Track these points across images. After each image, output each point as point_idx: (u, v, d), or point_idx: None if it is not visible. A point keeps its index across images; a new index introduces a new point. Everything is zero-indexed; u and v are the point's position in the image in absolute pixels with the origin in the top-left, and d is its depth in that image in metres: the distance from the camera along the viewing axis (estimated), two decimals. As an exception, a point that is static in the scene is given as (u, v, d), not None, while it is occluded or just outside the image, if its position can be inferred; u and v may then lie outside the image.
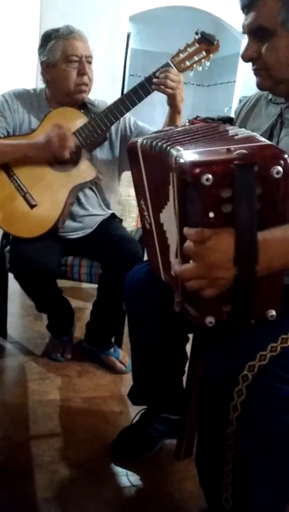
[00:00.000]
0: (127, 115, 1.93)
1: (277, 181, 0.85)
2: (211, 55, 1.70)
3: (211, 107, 7.42)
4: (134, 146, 1.14)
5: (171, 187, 1.01)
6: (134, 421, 1.61)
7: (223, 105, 6.74)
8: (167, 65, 1.71)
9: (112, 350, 2.06)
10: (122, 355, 2.06)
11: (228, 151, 0.88)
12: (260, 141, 0.94)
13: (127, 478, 1.45)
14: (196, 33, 1.69)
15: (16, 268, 1.83)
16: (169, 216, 1.07)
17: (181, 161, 0.91)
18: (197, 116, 1.29)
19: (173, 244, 1.08)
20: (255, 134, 1.00)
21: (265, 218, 0.87)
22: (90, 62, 1.84)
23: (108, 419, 1.70)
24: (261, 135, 1.19)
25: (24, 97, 1.90)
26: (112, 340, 2.09)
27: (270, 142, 0.96)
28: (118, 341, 2.16)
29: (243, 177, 0.84)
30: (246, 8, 1.09)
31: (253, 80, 1.19)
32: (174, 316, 1.25)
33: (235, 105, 6.21)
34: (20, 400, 1.75)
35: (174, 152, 0.96)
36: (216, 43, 1.68)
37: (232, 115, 1.42)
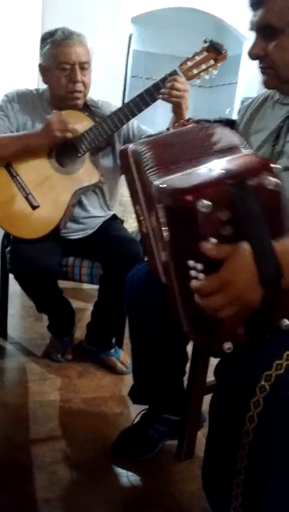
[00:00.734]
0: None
1: (274, 193, 0.83)
2: (219, 64, 1.70)
3: (212, 109, 7.43)
4: (126, 152, 1.13)
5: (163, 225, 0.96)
6: (135, 421, 1.60)
7: (225, 106, 6.75)
8: (175, 72, 1.71)
9: (112, 350, 2.06)
10: (123, 356, 2.06)
11: (213, 170, 0.85)
12: (241, 153, 0.92)
13: (128, 478, 1.45)
14: (205, 41, 1.68)
15: (16, 268, 1.83)
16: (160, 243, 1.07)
17: (165, 187, 0.86)
18: (189, 118, 1.29)
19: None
20: (236, 143, 0.99)
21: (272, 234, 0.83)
22: (85, 68, 1.81)
23: (109, 420, 1.70)
24: (267, 136, 1.19)
25: (27, 97, 1.91)
26: (113, 340, 2.08)
27: (250, 152, 0.94)
28: (119, 342, 2.15)
29: (241, 195, 0.81)
30: (255, 5, 1.08)
31: (255, 81, 1.18)
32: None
33: (237, 106, 6.21)
34: (20, 400, 1.75)
35: (156, 182, 0.92)
36: (224, 52, 1.67)
37: (234, 117, 1.41)
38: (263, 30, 1.08)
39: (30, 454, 1.49)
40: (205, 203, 0.79)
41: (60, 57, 1.76)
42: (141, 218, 1.20)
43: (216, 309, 0.84)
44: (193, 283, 0.85)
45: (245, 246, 0.82)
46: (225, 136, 1.04)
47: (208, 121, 1.24)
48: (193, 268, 0.86)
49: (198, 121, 1.21)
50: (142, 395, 1.57)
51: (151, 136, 1.21)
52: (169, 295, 1.09)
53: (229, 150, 0.96)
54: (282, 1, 1.03)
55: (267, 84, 1.16)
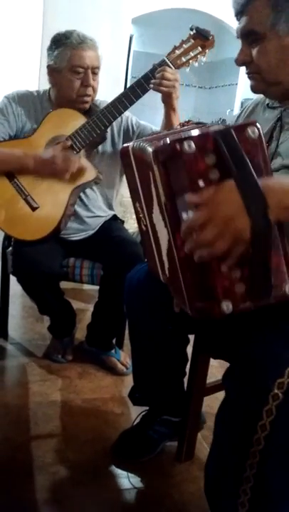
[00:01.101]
0: (128, 115, 1.94)
1: (255, 141, 0.89)
2: (207, 51, 1.71)
3: (212, 110, 7.43)
4: (127, 149, 1.15)
5: (152, 186, 1.03)
6: (135, 423, 1.60)
7: (225, 108, 6.75)
8: (163, 61, 1.72)
9: (113, 351, 2.06)
10: (123, 357, 2.06)
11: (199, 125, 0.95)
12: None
13: (128, 480, 1.45)
14: (191, 29, 1.69)
15: (19, 271, 1.83)
16: (157, 216, 1.08)
17: (158, 145, 0.95)
18: (189, 120, 1.31)
19: (164, 242, 1.08)
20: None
21: None
22: (95, 73, 1.83)
23: (109, 421, 1.70)
24: None
25: (28, 99, 1.91)
26: (113, 341, 2.09)
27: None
28: (119, 343, 2.16)
29: (225, 138, 0.87)
30: (239, 14, 1.14)
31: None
32: (174, 317, 1.25)
33: (237, 107, 6.22)
34: (21, 401, 1.75)
35: (149, 148, 0.99)
36: (211, 37, 1.68)
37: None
38: (247, 36, 1.13)
39: (31, 455, 1.49)
40: (190, 142, 0.86)
41: (75, 61, 1.77)
42: (140, 215, 1.20)
43: (209, 243, 0.86)
44: (184, 224, 0.90)
45: (230, 182, 0.87)
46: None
47: (205, 124, 1.26)
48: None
49: (198, 123, 1.22)
50: (142, 397, 1.57)
51: (153, 133, 1.22)
52: (153, 255, 1.14)
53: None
54: (262, 8, 1.08)
55: (255, 88, 1.20)
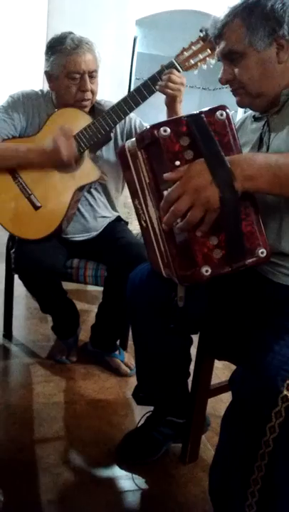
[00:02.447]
0: (133, 116, 1.93)
1: (223, 122, 1.04)
2: (216, 54, 1.70)
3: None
4: (123, 148, 1.20)
5: (141, 174, 1.13)
6: (140, 424, 1.60)
7: (229, 109, 6.73)
8: (171, 63, 1.71)
9: (117, 352, 2.06)
10: (127, 358, 2.06)
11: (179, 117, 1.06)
12: None
13: (132, 481, 1.45)
14: (201, 31, 1.68)
15: (21, 268, 1.83)
16: (151, 204, 1.14)
17: (139, 135, 1.09)
18: None
19: (157, 226, 1.14)
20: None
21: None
22: (93, 77, 1.81)
23: (113, 422, 1.70)
24: (252, 146, 1.29)
25: (32, 98, 1.90)
26: (118, 342, 2.09)
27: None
28: (123, 344, 2.15)
29: (196, 122, 1.01)
30: (217, 38, 1.23)
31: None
32: (176, 316, 1.25)
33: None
34: (24, 402, 1.75)
35: (133, 139, 1.11)
36: None
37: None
38: (228, 56, 1.22)
39: (35, 456, 1.49)
40: (165, 128, 1.00)
41: (70, 67, 1.76)
42: (140, 212, 1.23)
43: (185, 210, 0.98)
44: (165, 195, 1.02)
45: (200, 159, 0.99)
46: None
47: None
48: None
49: None
50: (145, 396, 1.57)
51: None
52: (154, 250, 1.21)
53: None
54: (238, 28, 1.17)
55: (241, 103, 1.26)
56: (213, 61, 1.71)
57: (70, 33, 1.80)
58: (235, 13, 1.17)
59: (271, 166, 0.99)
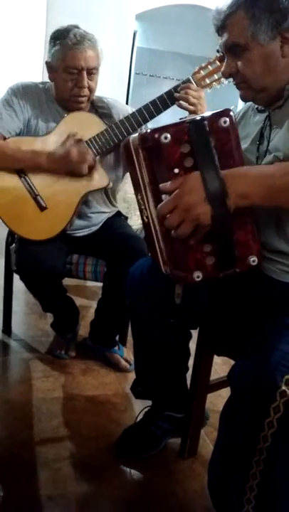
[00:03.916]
0: None
1: (226, 130, 1.02)
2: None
3: (216, 106, 7.39)
4: (128, 142, 1.19)
5: (143, 170, 1.13)
6: (138, 419, 1.61)
7: (229, 105, 6.67)
8: (188, 80, 1.71)
9: (116, 348, 2.06)
10: (127, 353, 2.06)
11: (182, 120, 1.04)
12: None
13: (131, 476, 1.45)
14: (218, 51, 1.67)
15: (22, 270, 1.82)
16: (152, 203, 1.14)
17: (143, 132, 1.07)
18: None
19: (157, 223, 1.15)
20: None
21: (225, 166, 1.01)
22: (92, 74, 1.79)
23: (112, 418, 1.70)
24: (252, 140, 1.27)
25: (32, 90, 1.88)
26: (117, 338, 2.09)
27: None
28: (122, 339, 2.15)
29: (196, 129, 0.99)
30: (220, 30, 1.20)
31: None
32: (176, 311, 1.25)
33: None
34: (24, 397, 1.76)
35: (137, 135, 1.10)
36: None
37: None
38: (231, 49, 1.19)
39: (34, 451, 1.49)
40: (166, 135, 0.99)
41: (69, 62, 1.74)
42: (142, 207, 1.22)
43: (175, 226, 1.00)
44: (158, 207, 1.03)
45: (196, 172, 0.99)
46: None
47: None
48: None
49: None
50: (144, 390, 1.57)
51: None
52: (154, 246, 1.21)
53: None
54: (241, 21, 1.14)
55: (244, 97, 1.25)
56: (226, 82, 1.70)
57: (76, 26, 1.78)
58: (238, 5, 1.13)
59: (265, 180, 0.99)
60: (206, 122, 1.00)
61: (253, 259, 1.08)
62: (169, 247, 1.10)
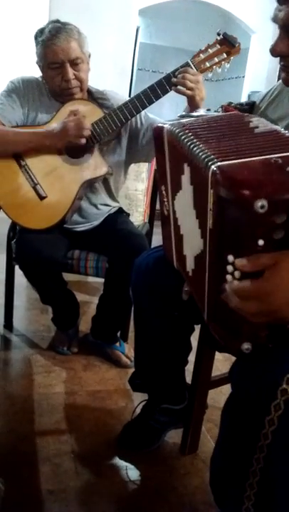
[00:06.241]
0: None
1: None
2: (232, 58, 1.68)
3: (220, 102, 7.38)
4: (161, 131, 1.07)
5: (186, 178, 0.97)
6: (136, 413, 1.61)
7: (233, 100, 6.69)
8: (187, 64, 1.70)
9: (117, 344, 2.06)
10: (128, 350, 2.06)
11: (273, 162, 0.77)
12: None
13: (132, 472, 1.45)
14: (218, 34, 1.66)
15: (21, 258, 1.83)
16: (182, 205, 1.06)
17: (221, 176, 0.78)
18: (230, 103, 1.28)
19: (189, 237, 1.04)
20: (275, 127, 0.95)
21: None
22: (77, 64, 1.78)
23: (113, 413, 1.71)
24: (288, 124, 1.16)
25: (33, 83, 1.90)
26: (118, 334, 2.09)
27: None
28: (124, 335, 2.16)
29: None
30: (282, 0, 1.03)
31: (262, 75, 1.18)
32: (180, 304, 1.25)
33: (244, 100, 6.16)
34: (25, 392, 1.76)
35: (203, 156, 0.86)
36: (237, 45, 1.66)
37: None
38: (288, 27, 1.04)
39: (35, 446, 1.50)
40: (264, 203, 0.71)
41: (49, 57, 1.76)
42: (164, 199, 1.17)
43: (247, 314, 0.80)
44: (231, 284, 0.80)
45: None
46: (259, 119, 1.00)
47: (241, 104, 1.22)
48: (232, 263, 0.80)
49: (236, 107, 1.18)
50: (141, 383, 1.57)
51: (188, 116, 1.15)
52: (193, 283, 1.08)
53: (271, 133, 0.91)
54: None
55: (287, 81, 1.15)
56: (227, 65, 1.69)
57: (54, 21, 1.79)
58: None
59: None
60: None
61: None
62: (220, 308, 0.90)
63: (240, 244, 0.78)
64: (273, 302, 0.76)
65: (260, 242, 0.75)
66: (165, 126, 1.06)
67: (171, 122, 1.05)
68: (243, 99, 6.25)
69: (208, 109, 1.29)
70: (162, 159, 1.11)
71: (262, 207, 0.71)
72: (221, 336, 0.94)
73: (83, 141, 1.77)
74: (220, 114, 1.17)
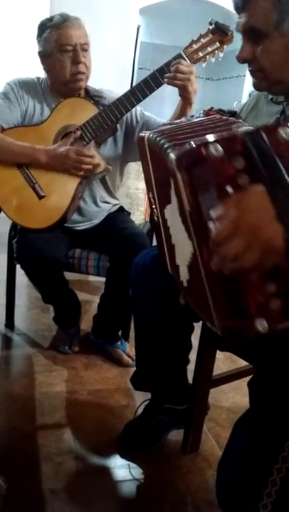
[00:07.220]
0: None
1: (288, 143, 0.79)
2: (225, 46, 1.67)
3: (220, 102, 7.36)
4: (142, 139, 1.11)
5: (172, 191, 0.97)
6: (138, 413, 1.61)
7: (233, 99, 6.68)
8: (180, 55, 1.69)
9: (119, 343, 2.06)
10: (129, 349, 2.06)
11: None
12: None
13: (134, 471, 1.45)
14: (210, 23, 1.66)
15: (22, 257, 1.83)
16: (172, 215, 1.05)
17: (182, 149, 0.85)
18: (212, 108, 1.28)
19: (185, 251, 1.01)
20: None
21: None
22: (85, 50, 1.82)
23: (114, 412, 1.71)
24: None
25: (29, 84, 1.91)
26: (119, 333, 2.09)
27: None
28: (125, 334, 2.16)
29: (254, 140, 0.79)
30: (239, 9, 1.08)
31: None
32: (178, 305, 1.25)
33: (245, 99, 6.16)
34: (27, 391, 1.76)
35: (172, 154, 0.90)
36: (229, 33, 1.65)
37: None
38: (249, 33, 1.08)
39: (37, 445, 1.50)
40: (217, 146, 0.78)
41: (62, 40, 1.78)
42: (153, 206, 1.18)
43: (238, 256, 0.76)
44: (212, 244, 0.80)
45: (259, 187, 0.78)
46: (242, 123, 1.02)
47: (223, 111, 1.23)
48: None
49: (218, 111, 1.19)
50: (143, 382, 1.57)
51: (167, 124, 1.18)
52: (163, 246, 1.10)
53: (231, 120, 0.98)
54: (266, 6, 1.03)
55: (257, 86, 1.17)
56: (221, 54, 1.69)
57: (60, 12, 1.83)
58: None
59: None
60: (262, 133, 0.80)
61: None
62: (218, 291, 0.87)
63: (212, 202, 0.80)
64: (249, 224, 0.76)
65: (229, 189, 0.78)
66: (146, 134, 1.07)
67: (153, 131, 1.07)
68: (244, 98, 6.24)
69: (192, 116, 1.30)
70: (147, 168, 1.13)
71: (216, 150, 0.78)
72: (230, 325, 0.87)
73: (81, 173, 1.79)
74: (201, 118, 1.17)
